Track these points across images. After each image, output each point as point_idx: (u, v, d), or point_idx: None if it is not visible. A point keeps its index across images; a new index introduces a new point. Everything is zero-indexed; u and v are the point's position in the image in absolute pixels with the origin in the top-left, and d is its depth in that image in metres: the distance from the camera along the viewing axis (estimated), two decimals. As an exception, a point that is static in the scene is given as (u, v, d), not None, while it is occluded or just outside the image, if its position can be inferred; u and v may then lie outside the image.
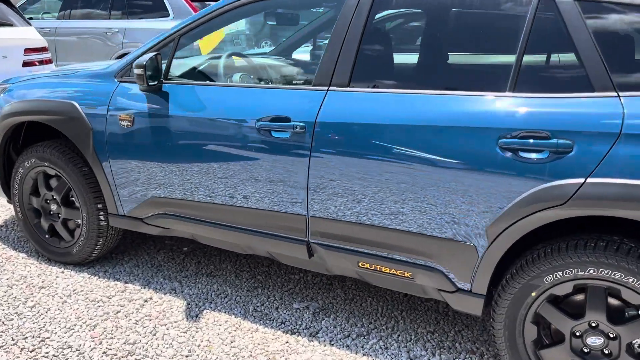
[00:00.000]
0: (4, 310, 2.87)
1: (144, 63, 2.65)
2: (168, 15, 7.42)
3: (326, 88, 2.46)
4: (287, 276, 3.32)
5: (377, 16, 2.64)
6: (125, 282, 3.20)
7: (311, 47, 4.04)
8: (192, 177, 2.80)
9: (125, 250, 3.62)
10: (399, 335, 2.73)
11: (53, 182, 3.34)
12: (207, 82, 2.98)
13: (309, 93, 2.51)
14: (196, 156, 2.74)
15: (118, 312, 2.88)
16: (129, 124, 2.89)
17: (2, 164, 3.53)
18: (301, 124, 2.44)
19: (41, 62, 6.15)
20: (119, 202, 3.10)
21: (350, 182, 2.39)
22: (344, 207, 2.44)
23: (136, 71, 2.67)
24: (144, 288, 3.13)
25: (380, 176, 2.32)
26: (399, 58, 2.89)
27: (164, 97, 2.82)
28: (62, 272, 3.29)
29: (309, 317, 2.88)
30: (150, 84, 2.70)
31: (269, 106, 2.55)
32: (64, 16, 8.31)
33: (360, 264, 2.50)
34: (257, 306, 2.98)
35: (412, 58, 2.75)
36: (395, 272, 2.44)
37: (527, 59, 2.16)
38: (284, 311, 2.93)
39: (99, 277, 3.25)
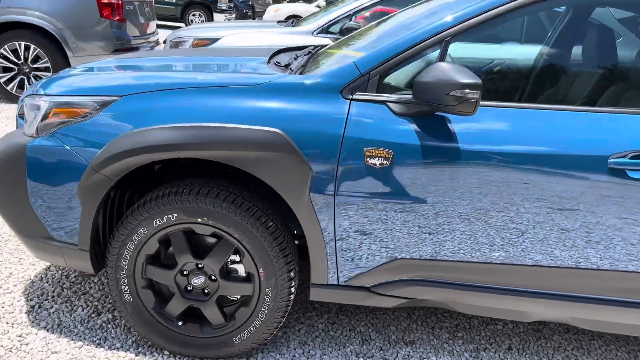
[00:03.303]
0: None
1: (475, 83, 1.83)
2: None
3: None
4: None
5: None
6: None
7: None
8: (474, 232, 2.08)
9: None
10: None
11: (197, 244, 2.25)
12: (524, 105, 2.12)
13: None
14: (492, 202, 2.03)
15: None
16: (383, 162, 2.02)
17: (102, 224, 2.32)
18: None
19: None
20: (334, 268, 2.20)
21: None
22: None
23: (468, 94, 1.83)
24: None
25: None
26: None
27: (448, 123, 2.02)
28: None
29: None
30: (467, 110, 1.88)
31: (629, 137, 1.98)
32: None
33: None
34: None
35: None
36: None
37: None
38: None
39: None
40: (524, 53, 2.58)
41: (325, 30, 5.26)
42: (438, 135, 2.01)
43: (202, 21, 17.85)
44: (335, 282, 2.23)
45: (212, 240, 2.26)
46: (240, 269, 2.34)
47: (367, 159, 2.02)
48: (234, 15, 19.15)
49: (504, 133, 2.01)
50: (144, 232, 2.19)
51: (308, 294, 2.29)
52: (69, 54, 6.23)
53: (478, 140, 2.00)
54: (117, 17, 6.36)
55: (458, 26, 2.06)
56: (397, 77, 2.17)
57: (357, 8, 5.30)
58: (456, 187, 2.03)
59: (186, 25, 17.61)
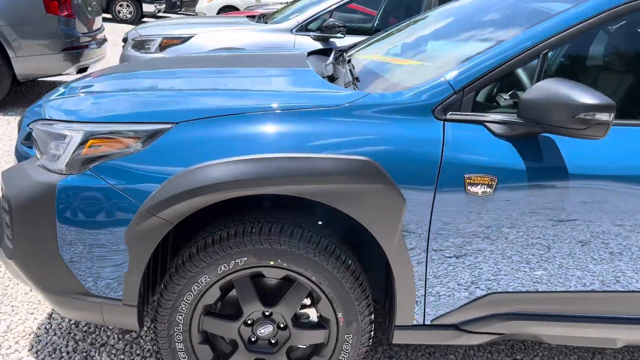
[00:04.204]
0: None
1: (608, 104, 1.63)
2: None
3: None
4: None
5: None
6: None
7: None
8: (576, 261, 1.92)
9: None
10: None
11: (263, 288, 1.95)
12: None
13: None
14: (603, 231, 1.87)
15: None
16: (486, 190, 1.81)
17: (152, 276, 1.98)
18: None
19: None
20: (422, 306, 1.97)
21: None
22: None
23: (600, 117, 1.63)
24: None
25: None
26: None
27: (556, 144, 1.83)
28: None
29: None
30: (597, 135, 1.67)
31: None
32: None
33: None
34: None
35: None
36: None
37: None
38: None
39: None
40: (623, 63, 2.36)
41: (304, 27, 4.97)
42: (546, 158, 1.82)
43: (130, 12, 16.84)
44: (421, 322, 2.01)
45: (277, 282, 1.97)
46: (311, 314, 2.06)
47: (468, 187, 1.80)
48: (163, 6, 18.28)
49: (623, 153, 1.85)
50: (205, 280, 1.86)
51: (389, 337, 2.05)
52: (10, 54, 5.55)
53: (591, 162, 1.83)
54: (65, 13, 5.73)
55: (558, 36, 1.87)
56: (489, 94, 1.96)
57: (338, 4, 5.03)
58: (566, 214, 1.85)
59: (114, 17, 16.57)
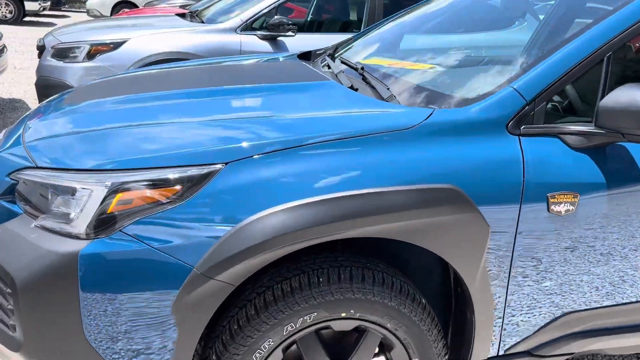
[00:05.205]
0: None
1: None
2: None
3: None
4: None
5: None
6: None
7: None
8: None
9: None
10: None
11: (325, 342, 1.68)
12: None
13: None
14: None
15: None
16: (569, 208, 1.66)
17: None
18: None
19: None
20: (498, 337, 1.79)
21: None
22: None
23: None
24: None
25: None
26: None
27: (634, 152, 1.71)
28: None
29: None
30: None
31: None
32: None
33: None
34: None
35: None
36: None
37: None
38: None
39: None
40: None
41: (249, 27, 4.62)
42: (626, 168, 1.71)
43: (10, 12, 15.26)
44: (495, 354, 1.84)
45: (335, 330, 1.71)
46: (378, 362, 1.82)
47: (552, 207, 1.65)
48: (48, 3, 16.77)
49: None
50: (269, 344, 1.56)
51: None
52: None
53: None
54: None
55: (625, 33, 1.73)
56: (557, 102, 1.81)
57: (280, 1, 4.72)
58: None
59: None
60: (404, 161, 1.56)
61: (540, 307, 1.79)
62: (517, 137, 1.66)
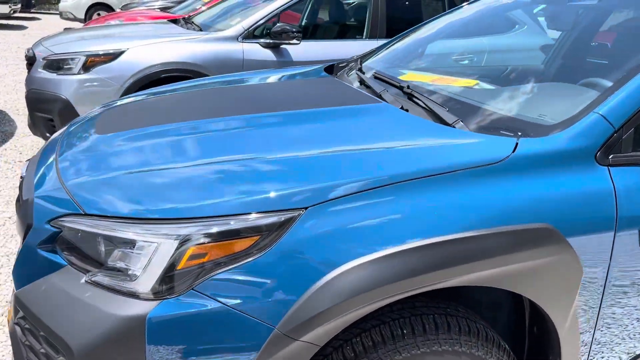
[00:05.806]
0: None
1: None
2: None
3: None
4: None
5: None
6: None
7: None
8: None
9: None
10: None
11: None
12: None
13: None
14: None
15: None
16: (660, 239, 1.55)
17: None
18: None
19: None
20: (581, 377, 1.68)
21: None
22: None
23: None
24: None
25: None
26: None
27: None
28: None
29: None
30: None
31: None
32: None
33: None
34: None
35: None
36: None
37: None
38: None
39: None
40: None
41: (251, 34, 4.44)
42: None
43: (-21, 15, 14.70)
44: (577, 396, 1.72)
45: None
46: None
47: (645, 239, 1.54)
48: (19, 6, 16.22)
49: None
50: (351, 406, 1.41)
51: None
52: None
53: None
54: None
55: None
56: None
57: (289, 4, 4.55)
58: None
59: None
60: (497, 200, 1.42)
61: (624, 345, 1.68)
62: (606, 167, 1.54)
